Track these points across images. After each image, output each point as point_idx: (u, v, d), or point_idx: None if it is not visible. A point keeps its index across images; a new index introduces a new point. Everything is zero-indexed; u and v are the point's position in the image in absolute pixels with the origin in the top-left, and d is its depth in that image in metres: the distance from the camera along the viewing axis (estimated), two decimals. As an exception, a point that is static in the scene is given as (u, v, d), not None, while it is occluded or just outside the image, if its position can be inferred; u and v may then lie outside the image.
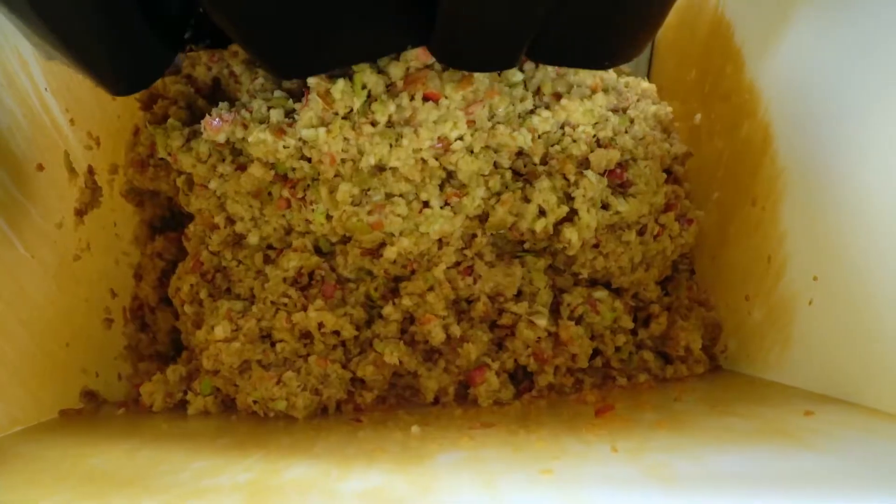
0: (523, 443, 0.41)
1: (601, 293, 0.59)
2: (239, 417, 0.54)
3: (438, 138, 0.54)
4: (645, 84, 0.63)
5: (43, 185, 0.55)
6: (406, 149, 0.54)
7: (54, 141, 0.57)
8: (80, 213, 0.60)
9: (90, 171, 0.62)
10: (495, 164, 0.57)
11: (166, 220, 0.70)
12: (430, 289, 0.56)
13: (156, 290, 0.66)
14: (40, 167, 0.55)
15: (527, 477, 0.35)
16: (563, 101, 0.56)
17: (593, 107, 0.57)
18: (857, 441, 0.37)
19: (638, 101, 0.62)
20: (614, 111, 0.60)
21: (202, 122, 0.55)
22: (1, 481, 0.39)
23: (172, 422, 0.53)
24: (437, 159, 0.55)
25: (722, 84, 0.61)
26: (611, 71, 0.59)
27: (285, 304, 0.55)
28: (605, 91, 0.59)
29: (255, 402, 0.53)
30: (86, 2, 0.41)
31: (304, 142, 0.53)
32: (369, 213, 0.54)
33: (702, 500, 0.31)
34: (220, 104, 0.56)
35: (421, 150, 0.54)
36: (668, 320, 0.60)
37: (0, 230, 0.51)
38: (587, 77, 0.58)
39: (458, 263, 0.58)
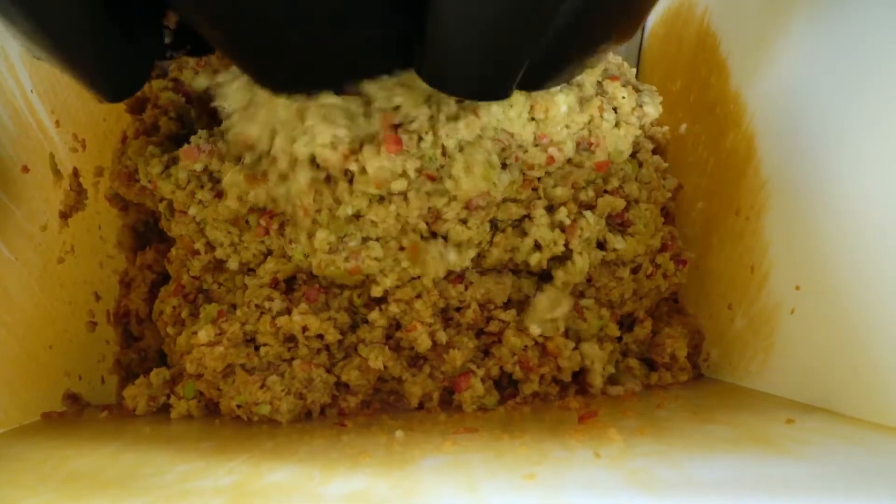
0: (507, 448, 0.41)
1: (588, 301, 0.59)
2: (222, 421, 0.53)
3: (429, 209, 0.54)
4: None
5: (28, 187, 0.55)
6: (390, 212, 0.54)
7: (39, 143, 0.57)
8: (64, 215, 0.60)
9: (75, 173, 0.61)
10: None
11: (150, 226, 0.70)
12: (418, 296, 0.56)
13: (146, 302, 0.66)
14: (25, 169, 0.55)
15: (509, 481, 0.35)
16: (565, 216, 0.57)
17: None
18: (838, 449, 0.37)
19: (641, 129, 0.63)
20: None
21: (180, 150, 0.56)
22: (-18, 482, 0.39)
23: (156, 425, 0.53)
24: (426, 224, 0.55)
25: (707, 95, 0.61)
26: (633, 121, 0.59)
27: (269, 308, 0.55)
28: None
29: (238, 406, 0.53)
30: (70, 5, 0.41)
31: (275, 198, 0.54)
32: (346, 259, 0.54)
33: (682, 506, 0.31)
34: (200, 132, 0.57)
35: (407, 217, 0.54)
36: (652, 327, 0.61)
37: (-16, 232, 0.51)
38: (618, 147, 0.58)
39: (449, 273, 0.58)
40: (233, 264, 0.59)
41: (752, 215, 0.53)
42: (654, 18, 0.75)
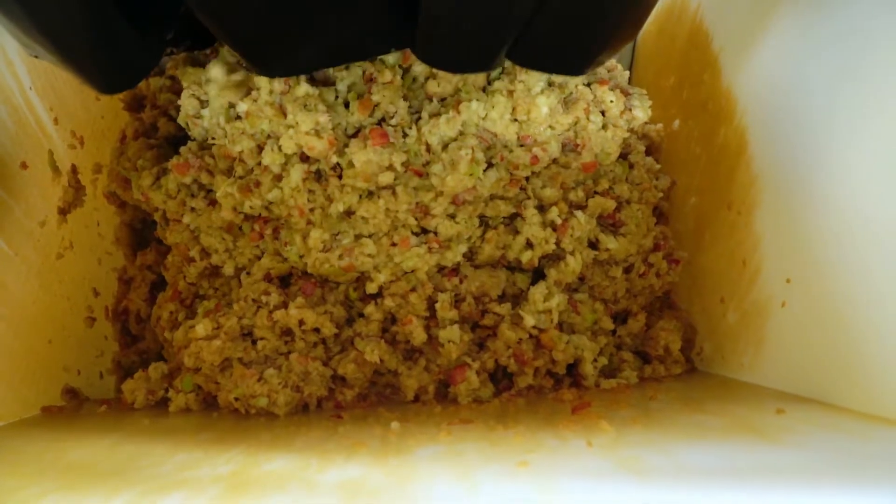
0: (500, 438, 0.42)
1: (582, 295, 0.60)
2: (220, 414, 0.54)
3: (417, 204, 0.55)
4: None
5: (27, 183, 0.56)
6: (380, 207, 0.55)
7: (38, 140, 0.58)
8: (63, 211, 0.60)
9: (74, 170, 0.62)
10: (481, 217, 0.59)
11: (148, 224, 0.70)
12: (413, 289, 0.57)
13: (147, 302, 0.67)
14: (24, 165, 0.55)
15: (503, 469, 0.36)
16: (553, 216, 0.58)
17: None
18: (827, 437, 0.38)
19: (636, 135, 0.63)
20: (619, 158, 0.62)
21: (170, 163, 0.57)
22: (-18, 473, 0.39)
23: (154, 418, 0.53)
24: (415, 219, 0.56)
25: (700, 91, 0.62)
26: (621, 123, 0.60)
27: (266, 303, 0.56)
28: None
29: (236, 399, 0.53)
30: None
31: (271, 202, 0.55)
32: (340, 257, 0.55)
33: (672, 491, 0.32)
34: (189, 143, 0.58)
35: (397, 211, 0.55)
36: (646, 321, 0.61)
37: (-17, 227, 0.51)
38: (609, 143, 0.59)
39: (442, 267, 0.59)
40: (228, 270, 0.60)
41: (744, 210, 0.54)
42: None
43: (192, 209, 0.58)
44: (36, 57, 0.49)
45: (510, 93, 0.55)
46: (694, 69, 0.63)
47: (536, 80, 0.55)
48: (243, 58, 0.50)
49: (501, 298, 0.59)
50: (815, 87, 0.46)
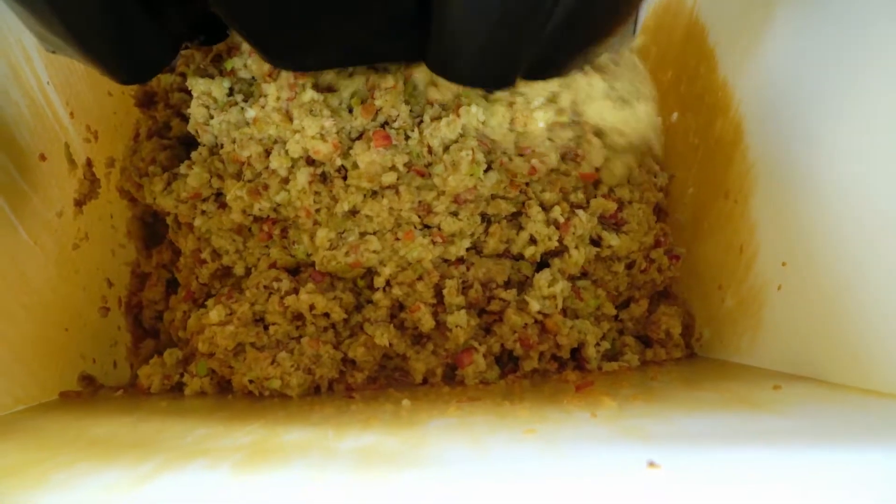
0: (508, 412, 0.43)
1: (585, 282, 0.62)
2: (235, 397, 0.55)
3: (420, 202, 0.57)
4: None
5: (45, 174, 0.57)
6: (383, 206, 0.57)
7: (55, 133, 0.59)
8: (79, 203, 0.62)
9: (89, 163, 0.63)
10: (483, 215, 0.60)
11: (160, 218, 0.72)
12: (420, 278, 0.59)
13: (163, 300, 0.68)
14: (42, 157, 0.57)
15: (511, 436, 0.37)
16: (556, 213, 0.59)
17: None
18: (821, 407, 0.39)
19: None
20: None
21: (181, 166, 0.60)
22: (8, 446, 0.41)
23: (171, 401, 0.55)
24: (418, 216, 0.58)
25: (697, 84, 0.64)
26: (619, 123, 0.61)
27: (277, 289, 0.57)
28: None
29: (250, 381, 0.55)
30: None
31: (279, 203, 0.57)
32: (346, 254, 0.57)
33: (674, 452, 0.33)
34: (200, 148, 0.60)
35: (400, 210, 0.57)
36: (647, 306, 0.63)
37: (4, 216, 0.52)
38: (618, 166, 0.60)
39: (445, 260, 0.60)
40: (239, 270, 0.61)
41: (741, 198, 0.55)
42: (645, 12, 0.77)
43: (203, 212, 0.60)
44: (53, 52, 0.50)
45: (510, 104, 0.57)
46: (691, 63, 0.65)
47: (537, 94, 0.57)
48: (256, 50, 0.52)
49: (507, 285, 0.60)
50: (808, 76, 0.48)
